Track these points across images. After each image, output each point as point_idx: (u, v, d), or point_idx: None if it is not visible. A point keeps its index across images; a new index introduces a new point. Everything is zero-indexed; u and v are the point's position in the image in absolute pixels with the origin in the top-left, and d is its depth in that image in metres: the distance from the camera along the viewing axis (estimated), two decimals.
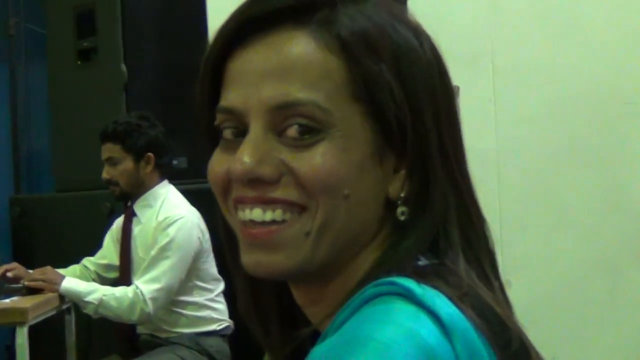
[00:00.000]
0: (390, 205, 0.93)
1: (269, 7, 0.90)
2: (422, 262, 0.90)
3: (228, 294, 3.85)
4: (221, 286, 3.84)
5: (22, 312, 3.24)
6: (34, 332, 3.31)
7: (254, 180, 0.88)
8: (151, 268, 3.59)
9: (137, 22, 4.55)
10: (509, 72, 4.87)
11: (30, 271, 3.68)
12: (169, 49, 4.64)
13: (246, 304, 1.05)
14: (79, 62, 4.64)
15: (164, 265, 3.57)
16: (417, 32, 0.95)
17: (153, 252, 3.61)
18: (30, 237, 4.72)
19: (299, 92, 0.87)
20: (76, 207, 4.47)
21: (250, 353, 4.13)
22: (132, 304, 3.51)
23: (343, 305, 0.86)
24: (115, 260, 3.86)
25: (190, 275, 3.70)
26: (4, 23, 5.47)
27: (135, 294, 3.52)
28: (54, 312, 3.56)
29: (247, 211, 0.90)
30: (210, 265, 3.79)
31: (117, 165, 3.73)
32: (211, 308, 3.78)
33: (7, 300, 3.38)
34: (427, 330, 0.79)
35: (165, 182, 3.82)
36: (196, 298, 3.74)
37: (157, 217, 3.69)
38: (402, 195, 0.93)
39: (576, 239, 4.79)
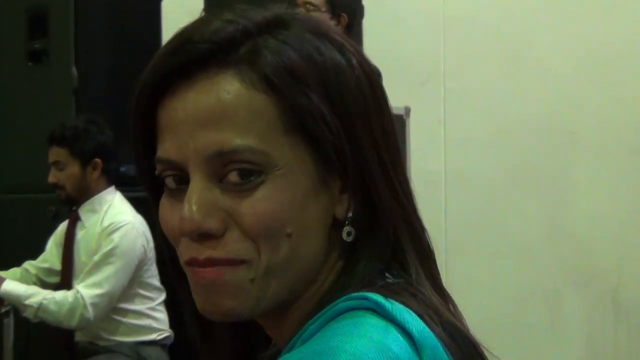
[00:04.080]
0: (339, 226, 0.93)
1: (191, 55, 0.89)
2: (391, 280, 0.91)
3: (169, 304, 3.82)
4: (162, 296, 3.81)
5: None
6: None
7: (201, 235, 0.88)
8: (94, 273, 3.55)
9: (91, 26, 4.51)
10: (460, 96, 4.93)
11: None
12: (122, 54, 4.61)
13: (194, 322, 1.03)
14: (29, 63, 4.59)
15: (107, 271, 3.54)
16: (344, 48, 0.94)
17: (96, 258, 3.58)
18: None
19: (233, 139, 0.87)
20: (20, 210, 4.41)
21: None
22: (72, 308, 3.46)
23: (308, 321, 0.87)
24: (57, 265, 3.82)
25: (133, 283, 3.68)
26: None
27: (76, 298, 3.47)
28: None
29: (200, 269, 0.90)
30: (153, 274, 3.77)
31: (64, 170, 3.70)
32: (152, 317, 3.76)
33: None
34: (397, 345, 0.80)
35: (112, 189, 3.79)
36: (137, 306, 3.72)
37: (101, 222, 3.66)
38: (348, 215, 0.92)
39: (518, 263, 4.85)
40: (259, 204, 0.87)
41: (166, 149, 0.90)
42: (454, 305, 0.96)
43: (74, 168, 3.70)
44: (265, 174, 0.87)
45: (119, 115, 4.35)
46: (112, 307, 3.64)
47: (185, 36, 0.90)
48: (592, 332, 4.82)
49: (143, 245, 3.65)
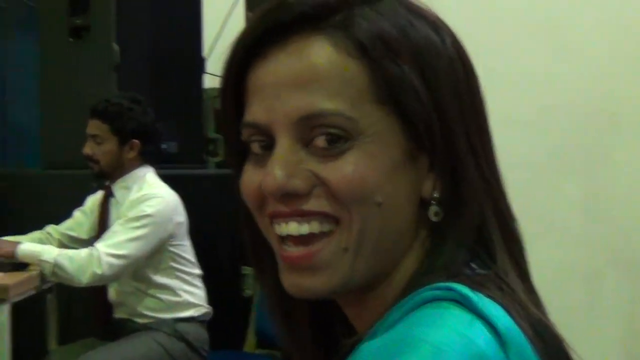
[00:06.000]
0: (426, 205, 0.92)
1: (285, 17, 0.89)
2: (477, 270, 0.89)
3: (205, 281, 3.84)
4: (198, 271, 3.82)
5: (3, 289, 3.20)
6: (14, 309, 3.27)
7: (286, 195, 0.88)
8: (116, 234, 3.53)
9: (131, 3, 4.53)
10: (500, 76, 4.89)
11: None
12: (162, 31, 4.63)
13: (274, 309, 1.04)
14: (70, 39, 4.60)
15: (130, 234, 3.51)
16: (437, 27, 0.93)
17: (121, 221, 3.57)
18: (15, 213, 4.68)
19: (322, 103, 0.86)
20: (62, 185, 4.43)
21: (228, 340, 4.14)
22: (85, 264, 3.41)
23: (392, 307, 0.86)
24: (84, 234, 3.84)
25: (166, 258, 3.68)
26: None
27: (90, 254, 3.43)
28: (33, 292, 3.51)
29: (283, 225, 0.90)
30: (186, 250, 3.76)
31: (101, 145, 3.69)
32: (188, 292, 3.76)
33: None
34: (482, 339, 0.78)
35: (146, 167, 3.79)
36: (172, 281, 3.71)
37: (133, 195, 3.67)
38: (435, 195, 0.91)
39: (558, 246, 4.82)
40: (346, 167, 0.86)
41: (253, 112, 0.90)
42: (538, 297, 0.95)
43: (111, 144, 3.70)
44: (353, 140, 0.87)
45: (159, 90, 4.38)
46: (147, 282, 3.66)
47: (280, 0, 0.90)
48: (634, 314, 4.80)
49: (172, 219, 3.64)
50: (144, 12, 4.58)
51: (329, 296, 0.93)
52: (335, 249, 0.89)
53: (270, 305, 1.03)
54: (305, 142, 0.88)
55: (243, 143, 0.93)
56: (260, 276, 1.02)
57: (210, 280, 3.86)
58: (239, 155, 0.95)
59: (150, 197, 3.62)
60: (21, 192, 4.73)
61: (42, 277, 3.49)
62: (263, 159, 0.90)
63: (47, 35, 4.78)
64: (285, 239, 0.91)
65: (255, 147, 0.92)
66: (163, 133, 3.96)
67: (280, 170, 0.87)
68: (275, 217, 0.91)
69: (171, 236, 3.65)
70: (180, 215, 3.70)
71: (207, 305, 3.83)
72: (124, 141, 3.69)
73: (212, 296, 3.84)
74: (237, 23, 4.88)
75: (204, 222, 4.08)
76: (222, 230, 4.56)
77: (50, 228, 3.90)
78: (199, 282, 3.82)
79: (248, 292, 4.64)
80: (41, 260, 3.45)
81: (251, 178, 0.92)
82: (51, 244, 3.80)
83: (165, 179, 3.79)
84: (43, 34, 4.83)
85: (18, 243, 3.55)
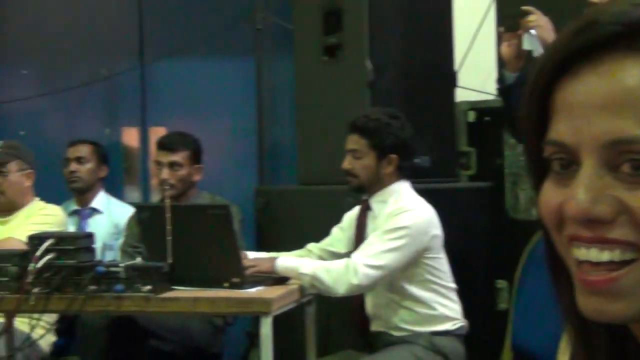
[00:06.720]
0: None
1: (597, 36, 0.85)
2: None
3: (460, 294, 3.84)
4: (453, 285, 3.81)
5: (267, 302, 3.30)
6: (275, 322, 3.37)
7: (589, 221, 0.85)
8: (372, 245, 3.58)
9: (384, 20, 4.58)
10: None
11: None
12: (414, 46, 4.65)
13: (569, 325, 1.00)
14: (324, 58, 4.71)
15: (387, 245, 3.56)
16: None
17: (378, 233, 3.62)
18: (274, 228, 4.85)
19: (634, 128, 0.82)
20: (319, 200, 4.54)
21: (483, 355, 4.10)
22: (341, 275, 3.49)
23: None
24: (343, 249, 3.91)
25: (422, 270, 3.69)
26: (251, 17, 5.63)
27: (347, 265, 3.50)
28: (294, 305, 3.61)
29: (583, 250, 0.87)
30: (442, 263, 3.76)
31: (360, 159, 3.77)
32: (444, 306, 3.75)
33: (253, 290, 3.46)
34: None
35: (403, 181, 3.83)
36: (427, 294, 3.72)
37: (389, 208, 3.71)
38: None
39: None
40: None
41: (559, 131, 0.88)
42: None
43: (369, 159, 3.76)
44: None
45: (411, 105, 4.41)
46: (402, 294, 3.69)
47: (590, 17, 0.87)
48: None
49: (428, 231, 3.66)
50: (396, 28, 4.62)
51: (626, 322, 0.90)
52: (637, 277, 0.85)
53: (565, 320, 0.99)
54: (612, 167, 0.85)
55: (543, 159, 0.91)
56: (556, 290, 0.99)
57: (463, 294, 3.84)
58: (538, 170, 0.93)
59: (406, 210, 3.65)
60: (279, 207, 4.89)
61: (302, 290, 3.59)
62: (563, 178, 0.88)
63: (302, 54, 4.92)
64: (583, 261, 0.88)
65: (556, 165, 0.89)
66: (418, 148, 3.98)
67: (585, 195, 0.84)
68: (575, 240, 0.88)
69: (427, 249, 3.67)
70: (436, 228, 3.71)
71: (463, 319, 3.81)
72: (382, 156, 3.75)
73: (466, 310, 3.82)
74: (487, 37, 4.85)
75: (456, 235, 4.06)
76: (475, 244, 4.54)
77: (311, 245, 4.00)
78: (454, 296, 3.81)
79: (503, 305, 4.59)
80: (300, 274, 3.56)
81: (550, 196, 0.90)
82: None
83: (419, 192, 3.82)
84: (298, 53, 4.98)
85: (275, 258, 3.67)
